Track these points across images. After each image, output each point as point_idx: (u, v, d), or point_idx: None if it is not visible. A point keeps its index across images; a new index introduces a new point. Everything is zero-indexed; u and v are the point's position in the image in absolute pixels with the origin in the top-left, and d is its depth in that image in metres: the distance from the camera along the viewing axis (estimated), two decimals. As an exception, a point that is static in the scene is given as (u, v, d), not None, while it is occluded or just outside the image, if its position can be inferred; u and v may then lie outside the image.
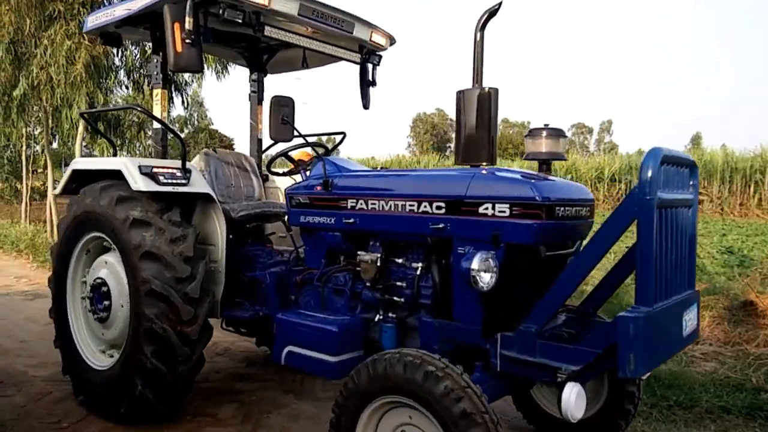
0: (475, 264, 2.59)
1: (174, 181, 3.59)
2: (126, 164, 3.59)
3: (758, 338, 5.42)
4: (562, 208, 2.67)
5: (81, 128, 11.41)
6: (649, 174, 2.20)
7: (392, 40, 4.31)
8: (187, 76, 12.16)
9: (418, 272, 3.06)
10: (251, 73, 4.99)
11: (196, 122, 33.24)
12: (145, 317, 3.39)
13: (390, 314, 3.19)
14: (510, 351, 2.66)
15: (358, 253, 3.27)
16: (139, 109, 4.45)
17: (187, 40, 3.29)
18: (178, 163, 3.72)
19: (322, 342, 3.11)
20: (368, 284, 3.26)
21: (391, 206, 3.12)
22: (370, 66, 4.37)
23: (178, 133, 4.12)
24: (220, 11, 3.34)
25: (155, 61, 4.08)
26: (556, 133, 2.95)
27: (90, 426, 3.78)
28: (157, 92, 4.09)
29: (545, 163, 3.01)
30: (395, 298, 3.15)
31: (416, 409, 2.37)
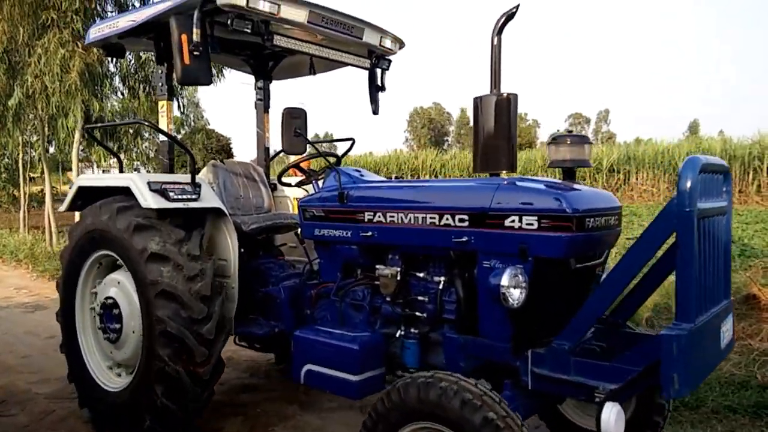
0: (504, 280, 2.50)
1: (184, 197, 3.50)
2: (135, 181, 3.49)
3: (762, 333, 5.36)
4: (591, 219, 2.57)
5: (77, 135, 11.29)
6: (689, 184, 2.11)
7: (401, 44, 4.21)
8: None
9: (441, 286, 2.96)
10: (257, 80, 4.88)
11: (192, 123, 33.09)
12: (157, 357, 3.30)
13: (412, 330, 3.09)
14: (542, 369, 2.56)
15: (377, 266, 3.17)
16: (146, 123, 4.35)
17: (195, 52, 3.19)
18: (187, 177, 3.62)
19: (343, 360, 3.00)
20: (388, 299, 3.16)
21: (410, 219, 3.02)
22: (378, 71, 4.28)
23: (187, 147, 4.02)
24: (229, 21, 3.25)
25: (159, 72, 3.98)
26: (581, 140, 2.86)
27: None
28: (163, 104, 3.98)
29: (569, 170, 2.91)
30: (417, 313, 3.06)
31: None
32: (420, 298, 3.06)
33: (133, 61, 11.44)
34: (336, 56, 3.96)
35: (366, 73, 4.30)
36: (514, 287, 2.51)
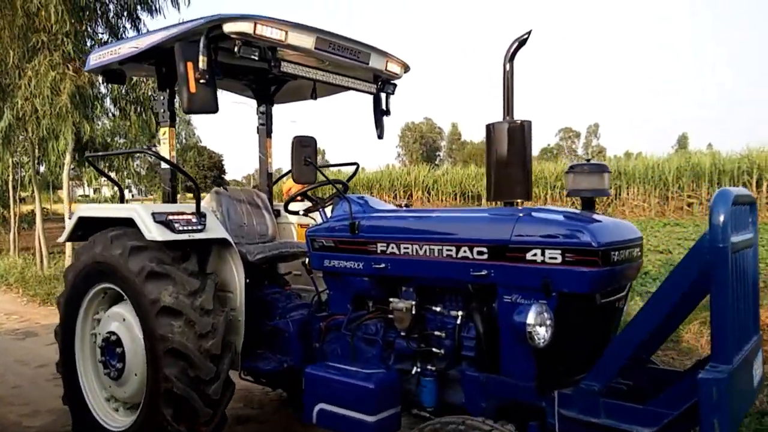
0: (530, 318, 2.39)
1: (189, 228, 3.39)
2: (138, 212, 3.38)
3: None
4: (616, 252, 2.48)
5: (68, 158, 11.15)
6: (722, 219, 2.03)
7: (407, 68, 4.15)
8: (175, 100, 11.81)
9: (459, 321, 2.86)
10: (258, 105, 4.79)
11: (184, 140, 33.00)
12: (164, 378, 3.16)
13: (428, 366, 2.98)
14: (570, 411, 2.45)
15: (391, 300, 3.07)
16: (148, 152, 4.24)
17: (201, 80, 3.10)
18: (191, 207, 3.52)
19: (357, 399, 2.86)
20: (402, 333, 3.05)
21: (425, 251, 2.92)
22: (383, 95, 4.21)
23: (191, 175, 3.91)
24: (236, 49, 3.17)
25: (161, 98, 3.88)
26: (599, 169, 2.77)
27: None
28: (164, 130, 3.88)
29: (588, 200, 2.83)
30: (434, 349, 2.94)
31: None
32: (437, 333, 2.95)
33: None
34: (342, 81, 3.90)
35: (370, 96, 4.24)
36: (540, 325, 2.41)
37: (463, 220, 3.00)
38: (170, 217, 3.35)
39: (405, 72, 4.17)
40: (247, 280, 3.66)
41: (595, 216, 2.71)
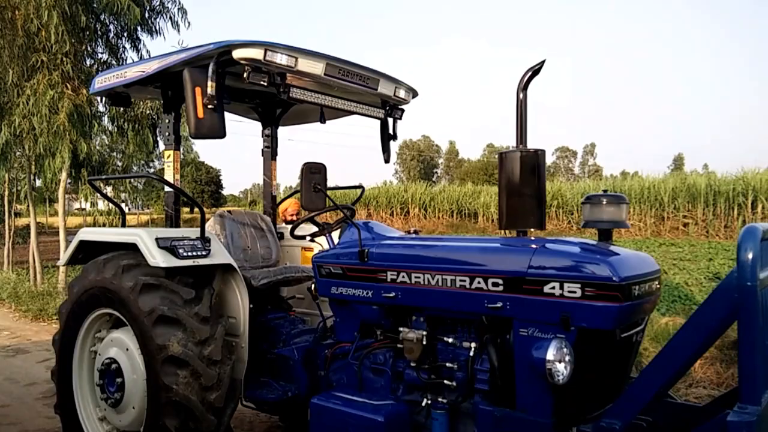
0: (550, 354, 2.32)
1: (194, 254, 3.33)
2: (142, 237, 3.31)
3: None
4: (637, 287, 2.42)
5: (64, 175, 11.07)
6: (750, 256, 1.98)
7: (415, 94, 4.14)
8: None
9: (472, 353, 2.79)
10: (264, 128, 4.76)
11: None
12: (165, 388, 3.08)
13: (440, 399, 2.90)
14: None
15: (400, 329, 3.00)
16: (153, 177, 4.20)
17: (209, 106, 3.05)
18: (195, 232, 3.47)
19: None
20: (412, 364, 2.97)
21: (438, 281, 2.86)
22: (390, 120, 4.19)
23: (196, 200, 3.88)
24: (245, 75, 3.13)
25: (167, 121, 3.83)
26: (617, 200, 2.74)
27: None
28: (169, 154, 3.83)
29: (605, 231, 2.79)
30: (445, 381, 2.87)
31: None
32: (448, 364, 2.88)
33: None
34: (350, 107, 3.88)
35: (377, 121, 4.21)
36: (560, 361, 2.34)
37: (477, 250, 2.93)
38: (174, 243, 3.29)
39: (413, 97, 4.15)
40: (251, 306, 3.59)
41: (614, 248, 2.65)
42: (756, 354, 2.00)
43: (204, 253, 3.39)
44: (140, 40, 11.06)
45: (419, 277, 2.93)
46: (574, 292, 2.40)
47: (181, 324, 3.16)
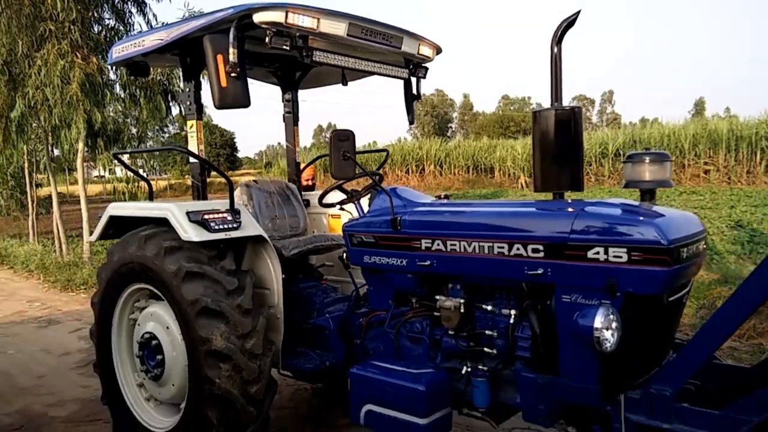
0: (598, 322, 2.24)
1: (225, 227, 3.29)
2: (172, 211, 3.26)
3: (774, 330, 5.20)
4: (685, 249, 2.32)
5: (81, 145, 11.14)
6: None
7: (439, 50, 3.98)
8: (181, 83, 11.65)
9: (512, 320, 2.73)
10: (284, 92, 4.64)
11: (185, 115, 32.88)
12: (207, 380, 3.09)
13: (480, 366, 2.86)
14: (638, 416, 2.31)
15: (437, 297, 2.95)
16: (178, 149, 4.14)
17: (232, 74, 2.96)
18: (224, 204, 3.41)
19: (408, 401, 2.75)
20: (450, 332, 2.93)
21: (474, 248, 2.77)
22: (414, 79, 4.05)
23: (223, 172, 3.75)
24: (267, 39, 3.03)
25: (187, 89, 3.73)
26: (660, 158, 2.58)
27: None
28: (192, 123, 3.73)
29: (648, 190, 2.64)
30: (485, 349, 2.82)
31: None
32: (487, 332, 2.83)
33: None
34: (373, 68, 3.75)
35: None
36: (607, 329, 2.26)
37: (514, 215, 2.82)
38: (205, 216, 3.25)
39: (437, 54, 4.00)
40: (283, 276, 3.57)
41: (658, 208, 2.53)
42: None
43: (235, 225, 3.34)
44: (146, 4, 10.91)
45: (455, 245, 2.86)
46: (620, 256, 2.31)
47: (225, 317, 3.13)
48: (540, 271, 2.55)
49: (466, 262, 2.83)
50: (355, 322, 3.51)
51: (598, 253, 2.37)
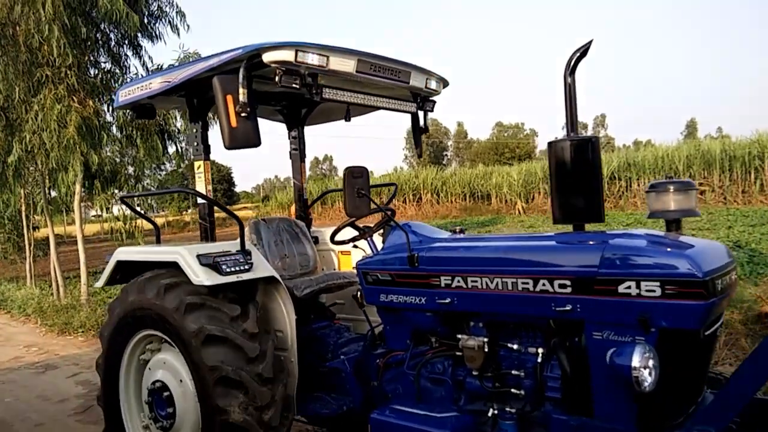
0: (635, 361, 2.14)
1: (237, 269, 3.22)
2: (183, 255, 3.20)
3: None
4: (720, 281, 2.25)
5: (78, 188, 11.15)
6: None
7: (446, 84, 3.99)
8: (179, 123, 11.79)
9: (539, 359, 2.63)
10: (290, 130, 4.64)
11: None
12: (219, 411, 2.98)
13: (507, 408, 2.75)
14: None
15: (459, 336, 2.86)
16: (185, 191, 4.13)
17: (243, 114, 2.93)
18: (235, 245, 3.36)
19: None
20: (474, 372, 2.82)
21: (497, 284, 2.69)
22: (421, 113, 4.05)
23: (233, 212, 3.69)
24: (277, 78, 3.01)
25: (194, 130, 3.72)
26: (685, 187, 2.54)
27: None
28: (199, 164, 3.70)
29: (675, 221, 2.59)
30: (512, 390, 2.72)
31: None
32: (514, 372, 2.73)
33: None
34: (381, 103, 3.75)
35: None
36: (645, 367, 2.16)
37: (538, 249, 2.74)
38: (217, 259, 3.19)
39: (444, 87, 4.01)
40: (296, 317, 3.49)
41: (685, 239, 2.47)
42: None
43: (246, 267, 3.29)
44: (141, 47, 11.03)
45: (476, 281, 2.77)
46: (653, 290, 2.23)
47: (230, 342, 3.06)
48: (569, 308, 2.46)
49: (488, 299, 2.75)
50: (371, 364, 3.41)
51: (629, 287, 2.29)
